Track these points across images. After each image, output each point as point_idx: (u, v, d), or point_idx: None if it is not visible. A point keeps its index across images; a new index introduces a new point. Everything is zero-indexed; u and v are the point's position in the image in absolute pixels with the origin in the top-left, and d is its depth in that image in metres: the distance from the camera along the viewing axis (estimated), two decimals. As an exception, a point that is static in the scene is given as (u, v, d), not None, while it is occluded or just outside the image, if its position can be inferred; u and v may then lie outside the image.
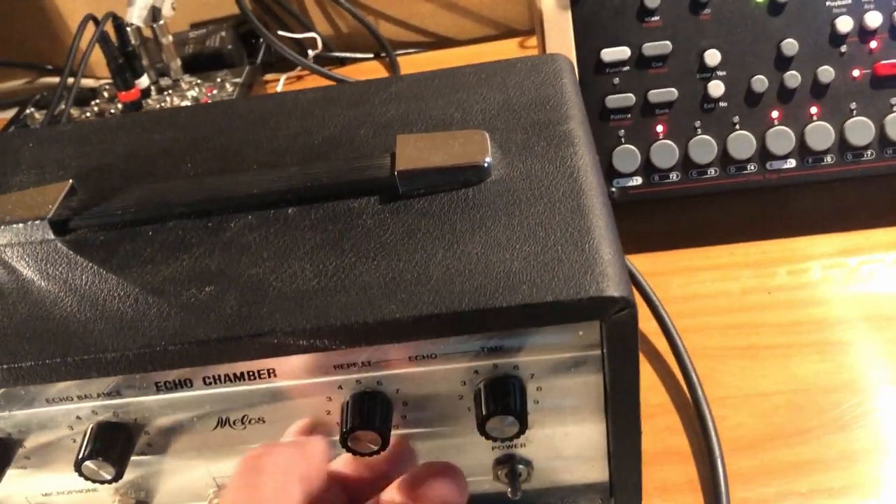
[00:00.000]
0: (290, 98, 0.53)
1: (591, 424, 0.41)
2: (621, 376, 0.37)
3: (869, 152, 0.61)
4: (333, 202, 0.42)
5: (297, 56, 0.89)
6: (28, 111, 0.91)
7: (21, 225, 0.44)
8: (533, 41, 0.97)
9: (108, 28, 0.82)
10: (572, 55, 0.63)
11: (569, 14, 0.63)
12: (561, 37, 0.63)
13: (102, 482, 0.40)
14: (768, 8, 0.61)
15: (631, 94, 0.63)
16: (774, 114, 0.62)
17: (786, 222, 0.64)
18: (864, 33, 0.61)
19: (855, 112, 0.61)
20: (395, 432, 0.40)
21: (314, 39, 0.97)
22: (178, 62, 0.88)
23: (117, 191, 0.45)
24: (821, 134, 0.61)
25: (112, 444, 0.40)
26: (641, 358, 0.50)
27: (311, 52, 0.96)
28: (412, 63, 0.97)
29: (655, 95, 0.62)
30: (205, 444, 0.42)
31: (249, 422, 0.40)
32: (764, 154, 0.62)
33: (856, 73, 0.61)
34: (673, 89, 0.62)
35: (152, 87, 0.87)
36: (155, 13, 0.84)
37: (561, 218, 0.38)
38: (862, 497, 0.46)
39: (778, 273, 0.61)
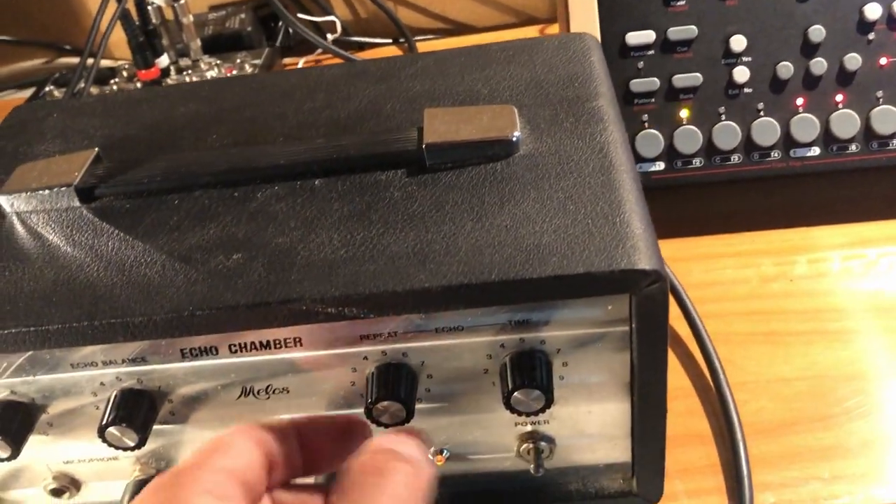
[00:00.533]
0: (314, 73, 0.53)
1: (616, 403, 0.41)
2: (649, 352, 0.37)
3: (895, 141, 0.61)
4: (360, 174, 0.42)
5: (317, 38, 0.89)
6: (47, 89, 0.91)
7: (46, 192, 0.44)
8: (553, 29, 0.96)
9: (130, 6, 0.82)
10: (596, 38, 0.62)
11: (594, -4, 0.62)
12: (586, 19, 0.62)
13: (125, 449, 0.40)
14: (796, -6, 0.61)
15: (655, 79, 0.62)
16: (799, 101, 0.61)
17: (808, 211, 0.64)
18: (892, 21, 0.60)
19: (881, 100, 0.60)
20: (418, 406, 0.40)
21: (333, 23, 0.97)
22: (198, 42, 0.88)
23: (143, 160, 0.45)
24: (846, 122, 0.60)
25: (135, 411, 0.40)
26: (663, 341, 0.50)
27: (329, 37, 0.96)
28: (431, 49, 0.97)
29: (680, 80, 0.62)
30: (228, 414, 0.41)
31: (273, 392, 0.40)
32: (788, 141, 0.61)
33: (883, 60, 0.60)
34: (698, 74, 0.62)
35: (172, 67, 0.87)
36: (176, -7, 0.84)
37: (591, 192, 0.38)
38: (883, 484, 0.46)
39: (799, 261, 0.61)
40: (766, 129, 0.61)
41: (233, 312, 0.36)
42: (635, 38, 0.62)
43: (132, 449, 0.40)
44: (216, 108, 0.50)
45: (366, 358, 0.39)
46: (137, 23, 0.82)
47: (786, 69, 0.61)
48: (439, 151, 0.41)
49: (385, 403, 0.38)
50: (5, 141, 0.51)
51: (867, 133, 0.61)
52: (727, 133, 0.62)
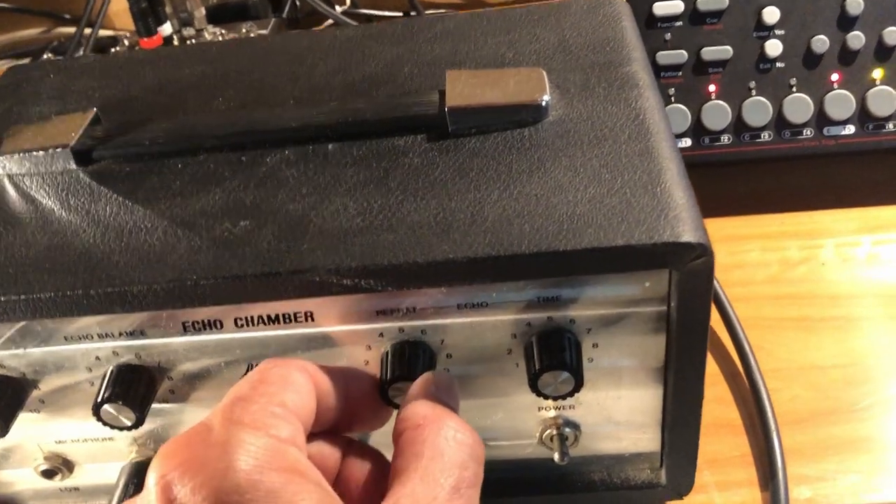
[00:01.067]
0: (326, 35, 0.50)
1: (647, 388, 0.38)
2: (689, 334, 0.34)
3: (934, 120, 0.58)
4: (377, 140, 0.39)
5: (326, 8, 0.86)
6: (45, 57, 0.88)
7: (41, 153, 0.41)
8: (569, 4, 0.93)
9: (132, -29, 0.79)
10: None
11: (620, -36, 0.59)
12: (611, -13, 0.59)
13: (121, 428, 0.37)
14: (833, -37, 0.58)
15: (683, 51, 0.59)
16: (834, 76, 0.58)
17: (840, 192, 0.61)
18: (935, -7, 0.57)
19: (921, 77, 0.58)
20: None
21: (342, -5, 0.93)
22: (203, 11, 0.85)
23: (144, 122, 0.42)
24: (884, 99, 0.58)
25: (133, 388, 0.37)
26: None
27: (338, 8, 0.93)
28: (442, 23, 0.94)
29: (709, 53, 0.59)
30: (231, 394, 0.39)
31: (281, 370, 0.38)
32: (821, 119, 0.59)
33: (924, 35, 0.57)
34: (728, 47, 0.59)
35: (175, 37, 0.84)
36: (180, -41, 0.81)
37: (628, 161, 0.35)
38: (925, 478, 0.43)
39: (830, 245, 0.58)
40: (799, 106, 0.58)
41: (240, 283, 0.33)
42: (663, 8, 0.59)
43: (129, 428, 0.37)
44: (223, 71, 0.48)
45: (381, 335, 0.36)
46: (140, -12, 0.79)
47: (821, 43, 0.58)
48: (463, 116, 0.39)
49: (401, 384, 0.35)
50: (-2, 101, 0.48)
51: (905, 111, 0.58)
52: (757, 109, 0.59)
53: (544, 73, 0.40)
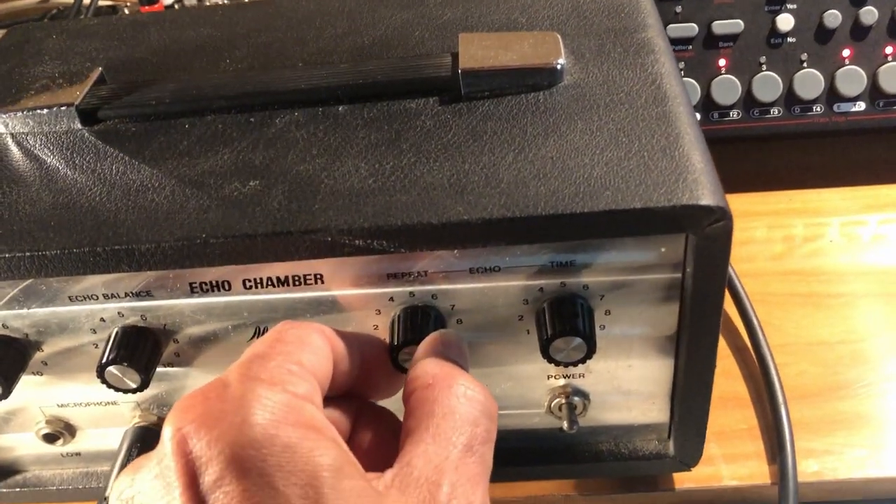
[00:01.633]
0: (335, -1, 0.49)
1: (658, 358, 0.38)
2: (704, 300, 0.34)
3: (945, 98, 0.57)
4: (388, 102, 0.39)
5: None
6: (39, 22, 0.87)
7: (45, 111, 0.40)
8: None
9: (133, -62, 0.78)
10: (633, -21, 0.59)
11: (632, -66, 0.58)
12: (622, -42, 0.59)
13: (126, 391, 0.37)
14: (847, -63, 0.57)
15: (693, 24, 0.58)
16: (846, 52, 0.58)
17: (850, 170, 0.60)
18: (949, -31, 0.56)
19: (933, 54, 0.57)
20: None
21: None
22: (205, -20, 0.84)
23: (150, 82, 0.41)
24: (895, 76, 0.57)
25: (138, 351, 0.36)
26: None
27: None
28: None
29: (719, 27, 0.58)
30: (238, 358, 0.38)
31: (289, 334, 0.37)
32: (832, 95, 0.58)
33: (937, 11, 0.57)
34: (739, 21, 0.58)
35: (176, 6, 0.83)
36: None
37: (645, 125, 0.35)
38: (932, 454, 0.43)
39: (838, 222, 0.58)
40: (810, 82, 0.58)
41: (250, 242, 0.32)
42: (674, -21, 0.58)
43: (133, 391, 0.37)
44: (229, 33, 0.47)
45: (392, 299, 0.36)
46: (141, -45, 0.78)
47: (833, 18, 0.57)
48: (476, 78, 0.38)
49: (411, 349, 0.35)
50: (0, 62, 0.47)
51: (916, 89, 0.57)
52: (768, 84, 0.58)
53: (559, 37, 0.40)
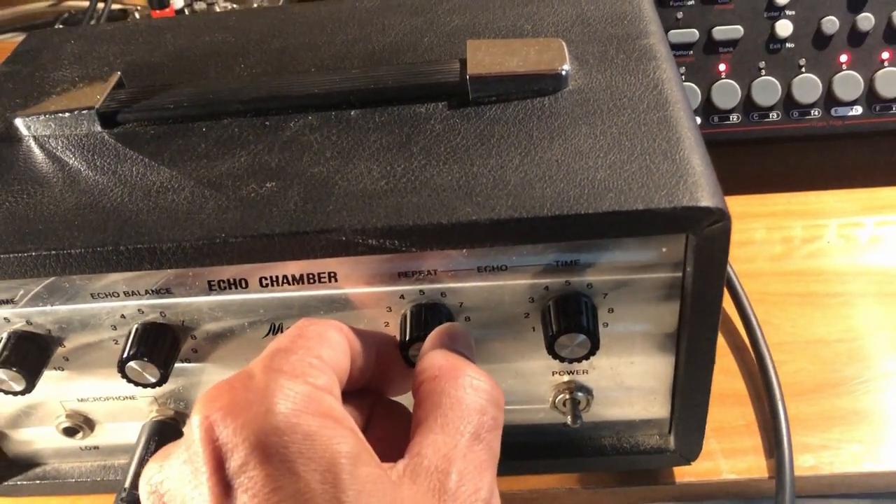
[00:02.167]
0: (346, 5, 0.50)
1: (659, 355, 0.39)
2: (704, 298, 0.35)
3: (940, 102, 0.59)
4: (398, 106, 0.40)
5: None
6: (56, 28, 0.88)
7: (67, 115, 0.41)
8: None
9: (144, -57, 0.79)
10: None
11: (634, -58, 0.60)
12: (625, -35, 0.60)
13: (145, 385, 0.38)
14: (845, -55, 0.58)
15: (694, 30, 0.60)
16: (843, 57, 0.59)
17: (847, 173, 0.62)
18: (944, -24, 0.58)
19: (928, 59, 0.58)
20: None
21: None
22: (214, -15, 0.85)
23: (168, 87, 0.43)
24: (892, 80, 0.58)
25: (157, 346, 0.38)
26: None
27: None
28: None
29: (720, 32, 0.60)
30: (253, 354, 0.39)
31: (303, 330, 0.38)
32: (829, 99, 0.59)
33: (933, 18, 0.58)
34: (738, 27, 0.59)
35: (186, 10, 0.84)
36: (191, -68, 0.81)
37: (647, 129, 0.36)
38: (926, 449, 0.44)
39: (835, 224, 0.59)
40: (808, 86, 0.59)
41: (268, 241, 0.34)
42: (675, -14, 0.60)
43: (153, 386, 0.38)
44: (243, 39, 0.48)
45: (402, 297, 0.37)
46: (152, -39, 0.79)
47: (830, 24, 0.59)
48: (484, 84, 0.39)
49: (421, 344, 0.36)
50: (20, 66, 0.49)
51: (912, 93, 0.59)
52: (767, 89, 0.59)
53: (564, 44, 0.41)
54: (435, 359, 0.31)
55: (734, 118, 0.60)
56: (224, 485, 0.25)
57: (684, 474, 0.44)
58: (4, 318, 0.38)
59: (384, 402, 0.33)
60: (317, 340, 0.29)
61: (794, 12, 0.59)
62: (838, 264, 0.56)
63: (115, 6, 0.94)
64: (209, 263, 0.34)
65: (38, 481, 0.45)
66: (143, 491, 0.27)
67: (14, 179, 0.39)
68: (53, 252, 0.34)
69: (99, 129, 0.41)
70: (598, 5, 0.46)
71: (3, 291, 0.38)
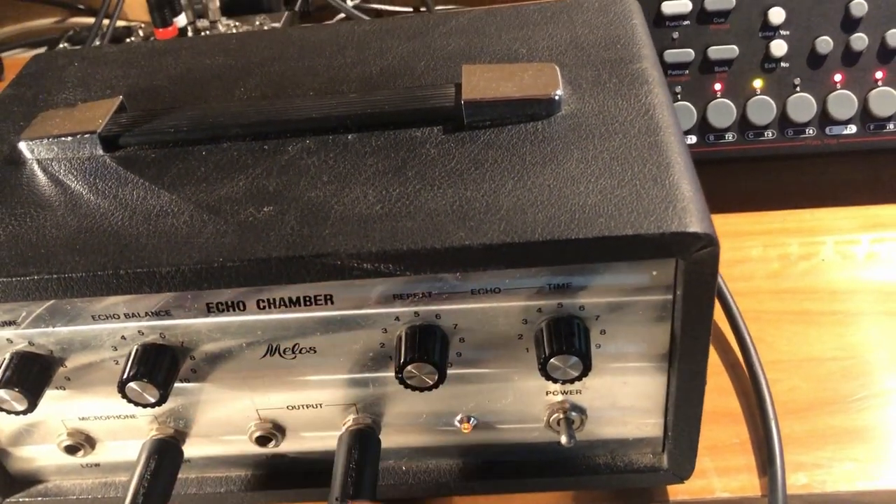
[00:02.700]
0: (343, 29, 0.51)
1: (652, 375, 0.40)
2: (693, 321, 0.36)
3: (934, 121, 0.59)
4: (395, 130, 0.41)
5: (338, 2, 0.87)
6: (60, 48, 0.89)
7: (69, 138, 0.42)
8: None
9: (148, -37, 0.80)
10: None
11: (630, -37, 0.60)
12: (621, -14, 0.61)
13: (145, 405, 0.39)
14: (838, -34, 0.59)
15: (690, 50, 0.60)
16: (837, 77, 0.60)
17: (842, 191, 0.62)
18: (937, -3, 0.58)
19: (922, 79, 0.59)
20: (447, 371, 0.39)
21: (353, -11, 0.95)
22: (217, 3, 0.86)
23: (168, 110, 0.44)
24: (885, 100, 0.59)
25: (157, 367, 0.38)
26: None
27: (350, 2, 0.94)
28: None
29: (715, 52, 0.60)
30: (252, 374, 0.40)
31: (300, 351, 0.39)
32: (824, 118, 0.60)
33: (926, 38, 0.59)
34: (734, 46, 0.60)
35: (189, 28, 0.85)
36: (195, -49, 0.82)
37: (638, 154, 0.37)
38: (919, 468, 0.45)
39: (830, 242, 0.59)
40: (802, 105, 0.60)
41: (264, 265, 0.34)
42: (671, 7, 0.60)
43: (152, 406, 0.39)
44: (243, 62, 0.49)
45: (397, 319, 0.38)
46: (156, -20, 0.80)
47: (825, 44, 0.59)
48: (478, 108, 0.40)
49: (416, 366, 0.37)
50: (24, 88, 0.50)
51: (906, 112, 0.59)
52: (762, 108, 0.60)
53: (557, 69, 0.42)
54: None
55: (730, 137, 0.61)
56: None
57: (678, 492, 0.44)
58: (7, 339, 0.39)
59: None
60: None
61: (788, 32, 0.60)
62: (833, 282, 0.56)
63: (119, 24, 0.95)
64: (207, 287, 0.35)
65: (40, 498, 0.46)
66: None
67: (17, 203, 0.39)
68: (55, 276, 0.35)
69: (101, 152, 0.42)
70: (592, 29, 0.46)
71: (5, 313, 0.38)
